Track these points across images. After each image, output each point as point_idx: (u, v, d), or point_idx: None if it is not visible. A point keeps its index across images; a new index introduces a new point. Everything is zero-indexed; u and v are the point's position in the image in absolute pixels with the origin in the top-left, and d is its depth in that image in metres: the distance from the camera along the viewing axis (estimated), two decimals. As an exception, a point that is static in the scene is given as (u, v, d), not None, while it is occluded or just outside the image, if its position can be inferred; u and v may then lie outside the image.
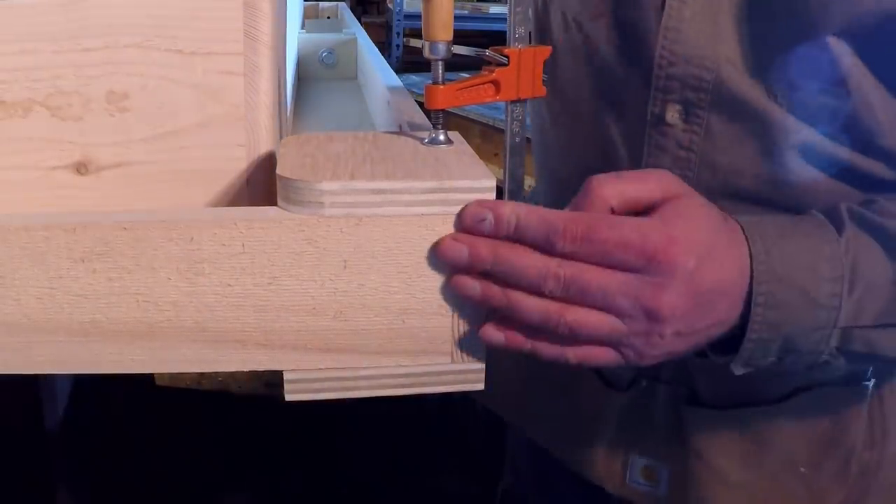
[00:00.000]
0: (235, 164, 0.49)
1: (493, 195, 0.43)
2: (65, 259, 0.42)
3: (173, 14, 0.46)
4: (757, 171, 0.54)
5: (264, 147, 0.49)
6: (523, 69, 0.49)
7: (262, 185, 0.49)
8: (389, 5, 3.37)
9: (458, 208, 0.43)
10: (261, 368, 0.45)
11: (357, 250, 0.43)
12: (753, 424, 0.60)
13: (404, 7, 3.34)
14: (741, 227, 0.46)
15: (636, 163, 0.58)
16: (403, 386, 0.47)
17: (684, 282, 0.42)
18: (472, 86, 0.49)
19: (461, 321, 0.45)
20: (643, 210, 0.44)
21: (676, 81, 0.53)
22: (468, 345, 0.46)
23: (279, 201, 0.43)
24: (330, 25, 1.62)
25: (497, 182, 0.43)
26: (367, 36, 1.17)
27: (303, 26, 1.43)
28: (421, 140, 0.50)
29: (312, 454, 1.84)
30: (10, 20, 0.46)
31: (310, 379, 0.46)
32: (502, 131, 0.51)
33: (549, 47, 0.58)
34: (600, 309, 0.42)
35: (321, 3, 1.84)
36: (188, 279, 0.43)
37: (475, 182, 0.43)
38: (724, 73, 0.52)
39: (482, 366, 0.47)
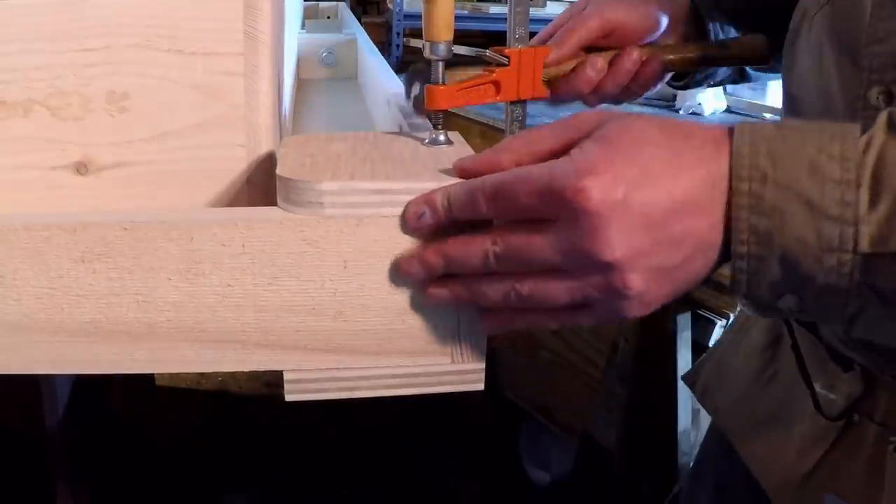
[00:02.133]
0: (235, 164, 0.49)
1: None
2: (65, 259, 0.42)
3: (173, 14, 0.46)
4: None
5: (264, 147, 0.49)
6: (523, 69, 0.49)
7: (262, 185, 0.49)
8: (389, 5, 3.37)
9: None
10: (261, 368, 0.45)
11: (357, 250, 0.43)
12: None
13: (404, 7, 3.34)
14: (729, 128, 0.39)
15: None
16: (403, 386, 0.47)
17: (618, 215, 0.37)
18: (472, 86, 0.49)
19: (461, 321, 0.45)
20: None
21: (881, 59, 0.47)
22: (468, 345, 0.46)
23: (279, 201, 0.43)
24: (330, 25, 1.62)
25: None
26: (367, 36, 1.17)
27: (303, 26, 1.44)
28: (421, 140, 0.50)
29: (312, 454, 1.84)
30: (10, 20, 0.46)
31: (310, 379, 0.46)
32: (502, 131, 0.51)
33: (549, 47, 0.58)
34: (549, 272, 0.39)
35: (321, 3, 1.84)
36: (188, 279, 0.43)
37: None
38: None
39: (482, 365, 0.47)
